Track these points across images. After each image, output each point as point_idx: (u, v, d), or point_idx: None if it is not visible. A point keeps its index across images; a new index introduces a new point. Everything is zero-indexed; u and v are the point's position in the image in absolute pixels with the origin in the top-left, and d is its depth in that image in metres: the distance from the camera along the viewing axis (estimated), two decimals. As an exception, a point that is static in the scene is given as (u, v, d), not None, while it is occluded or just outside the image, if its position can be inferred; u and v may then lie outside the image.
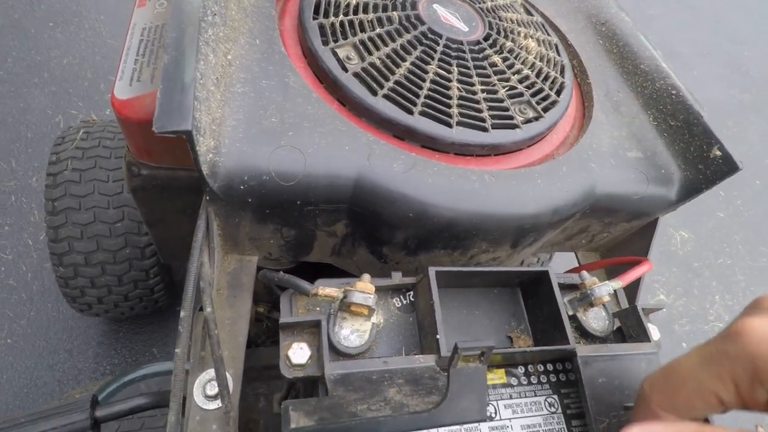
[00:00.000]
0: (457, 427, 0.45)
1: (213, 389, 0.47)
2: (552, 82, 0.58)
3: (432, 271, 0.44)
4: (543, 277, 0.48)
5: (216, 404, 0.47)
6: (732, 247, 1.99)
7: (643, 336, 0.48)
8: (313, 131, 0.46)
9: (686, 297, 1.83)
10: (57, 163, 1.01)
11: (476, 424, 0.45)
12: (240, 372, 0.49)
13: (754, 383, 0.25)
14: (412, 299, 0.48)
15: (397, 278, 0.47)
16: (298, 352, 0.42)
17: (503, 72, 0.56)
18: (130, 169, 0.57)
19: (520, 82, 0.56)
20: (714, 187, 0.55)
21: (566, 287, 0.52)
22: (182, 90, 0.37)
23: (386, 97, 0.49)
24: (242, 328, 0.51)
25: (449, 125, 0.49)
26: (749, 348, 0.25)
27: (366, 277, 0.45)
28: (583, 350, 0.46)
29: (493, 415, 0.45)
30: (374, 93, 0.49)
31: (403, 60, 0.52)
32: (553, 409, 0.47)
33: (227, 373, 0.49)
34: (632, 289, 0.59)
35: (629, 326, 0.49)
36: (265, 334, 0.85)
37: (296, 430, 0.29)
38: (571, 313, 0.50)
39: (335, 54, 0.51)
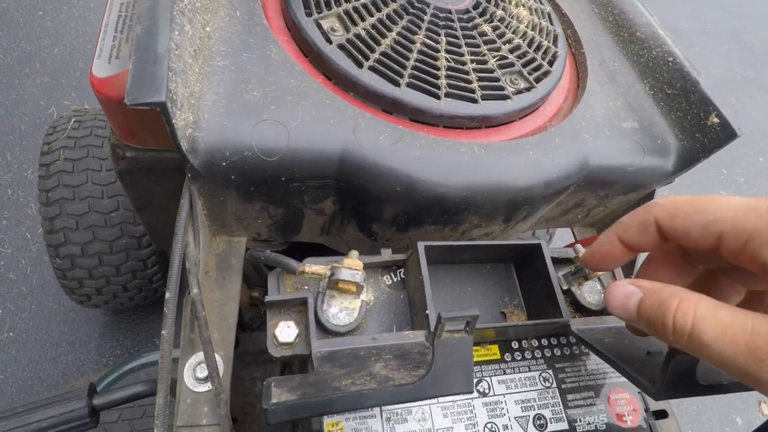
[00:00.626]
0: (451, 402, 0.44)
1: (203, 372, 0.47)
2: (544, 52, 0.56)
3: (421, 246, 0.43)
4: (536, 251, 0.47)
5: (207, 387, 0.46)
6: (735, 225, 1.97)
7: (639, 308, 0.47)
8: (296, 105, 0.44)
9: (689, 277, 1.81)
10: (49, 153, 1.00)
11: (469, 400, 0.44)
12: (230, 354, 0.49)
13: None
14: (403, 276, 0.47)
15: (386, 255, 0.46)
16: (285, 331, 0.41)
17: (493, 41, 0.54)
18: (114, 151, 0.56)
19: (511, 51, 0.54)
20: (711, 157, 0.53)
21: (560, 261, 0.51)
22: (155, 61, 0.35)
23: (372, 69, 0.48)
24: (232, 309, 0.51)
25: (437, 97, 0.48)
26: None
27: (354, 253, 0.44)
28: (576, 323, 0.45)
29: (487, 390, 0.45)
30: (359, 65, 0.48)
31: (389, 30, 0.50)
32: (547, 384, 0.46)
33: (217, 356, 0.48)
34: (628, 264, 0.58)
35: (625, 299, 0.48)
36: (260, 319, 0.84)
37: (276, 404, 0.28)
38: (565, 287, 0.49)
39: (319, 25, 0.49)
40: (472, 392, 0.31)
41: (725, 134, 0.50)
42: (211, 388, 0.46)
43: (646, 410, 0.47)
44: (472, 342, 0.30)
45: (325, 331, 0.43)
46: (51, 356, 1.31)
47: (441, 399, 0.43)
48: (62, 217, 0.98)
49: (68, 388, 1.06)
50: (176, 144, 0.38)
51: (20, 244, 1.38)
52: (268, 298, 0.41)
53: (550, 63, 0.56)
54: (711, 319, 0.27)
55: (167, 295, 0.44)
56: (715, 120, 0.51)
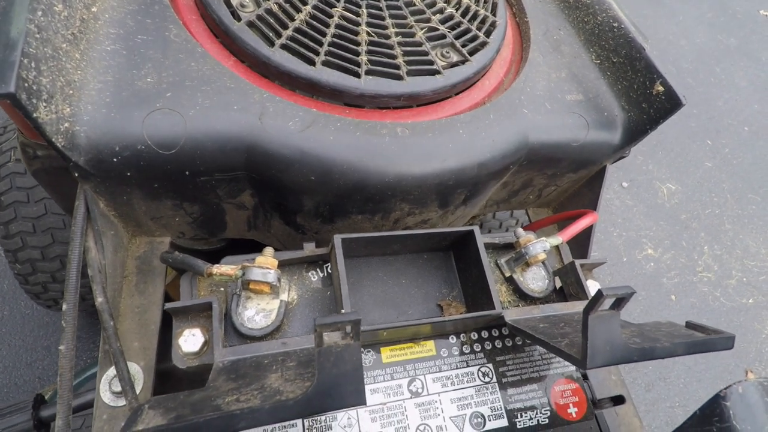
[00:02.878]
0: (380, 405, 0.41)
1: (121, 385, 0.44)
2: (481, 22, 0.52)
3: (338, 239, 0.39)
4: (469, 237, 0.43)
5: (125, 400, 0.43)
6: (720, 196, 1.94)
7: (581, 294, 0.44)
8: (195, 90, 0.40)
9: (674, 249, 1.79)
10: (-1, 154, 0.95)
11: (401, 402, 0.41)
12: (152, 363, 0.45)
13: None
14: (330, 271, 0.44)
15: (308, 249, 0.43)
16: (190, 339, 0.37)
17: (422, 12, 0.49)
18: (25, 150, 0.52)
19: (443, 22, 0.50)
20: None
21: (501, 247, 0.47)
22: (6, 47, 0.31)
23: (284, 47, 0.44)
24: (154, 316, 0.47)
25: (357, 75, 0.44)
26: None
27: (268, 250, 0.40)
28: (511, 314, 0.41)
29: (420, 390, 0.42)
30: (271, 43, 0.44)
31: (305, 3, 0.46)
32: (487, 379, 0.43)
33: (137, 366, 0.45)
34: (582, 245, 0.55)
35: (568, 284, 0.45)
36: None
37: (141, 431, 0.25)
38: (507, 274, 0.46)
39: (227, 2, 0.45)
40: (364, 404, 0.28)
41: (670, 103, 0.46)
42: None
43: (594, 401, 0.45)
44: (359, 349, 0.27)
45: (240, 335, 0.39)
46: (26, 362, 1.28)
47: (369, 402, 0.40)
48: (18, 220, 0.95)
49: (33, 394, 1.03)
50: (47, 140, 0.34)
51: (-15, 250, 1.34)
52: (168, 305, 0.37)
53: (487, 33, 0.51)
54: None
55: (64, 306, 0.40)
56: (660, 88, 0.47)
